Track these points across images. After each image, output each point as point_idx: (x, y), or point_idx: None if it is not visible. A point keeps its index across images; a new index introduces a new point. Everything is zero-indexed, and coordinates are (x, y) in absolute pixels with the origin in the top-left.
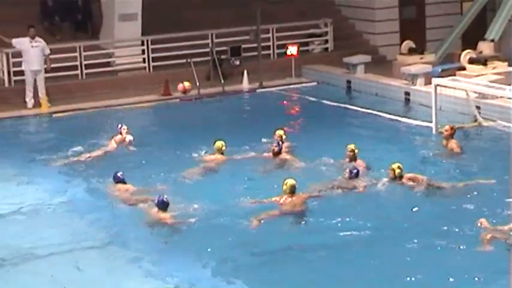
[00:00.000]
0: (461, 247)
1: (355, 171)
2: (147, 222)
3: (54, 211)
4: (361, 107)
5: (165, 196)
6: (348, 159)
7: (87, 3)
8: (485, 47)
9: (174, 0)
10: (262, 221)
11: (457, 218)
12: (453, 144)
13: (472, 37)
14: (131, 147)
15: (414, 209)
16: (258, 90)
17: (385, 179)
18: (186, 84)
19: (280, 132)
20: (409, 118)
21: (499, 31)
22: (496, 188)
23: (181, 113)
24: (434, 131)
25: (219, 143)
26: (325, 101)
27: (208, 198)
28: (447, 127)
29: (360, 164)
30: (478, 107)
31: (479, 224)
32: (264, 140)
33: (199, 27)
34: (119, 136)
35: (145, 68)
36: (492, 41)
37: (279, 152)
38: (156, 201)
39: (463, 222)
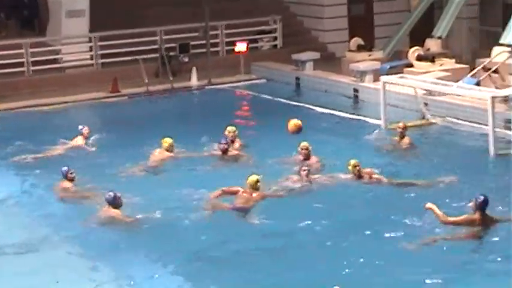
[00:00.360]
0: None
1: (306, 168)
2: (97, 218)
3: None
4: (310, 104)
5: (117, 193)
6: (302, 157)
7: None
8: (433, 44)
9: None
10: (215, 210)
11: (413, 212)
12: (406, 140)
13: (419, 34)
14: (91, 147)
15: (370, 205)
16: (207, 87)
17: (341, 176)
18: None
19: (231, 128)
20: (358, 115)
21: (446, 28)
22: (454, 184)
23: (129, 110)
24: (383, 128)
25: (166, 141)
26: (274, 98)
27: (156, 196)
28: (400, 124)
29: (313, 161)
30: (426, 104)
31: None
32: (204, 138)
33: (148, 24)
34: (79, 137)
35: (92, 64)
36: (439, 38)
37: (228, 149)
38: (107, 197)
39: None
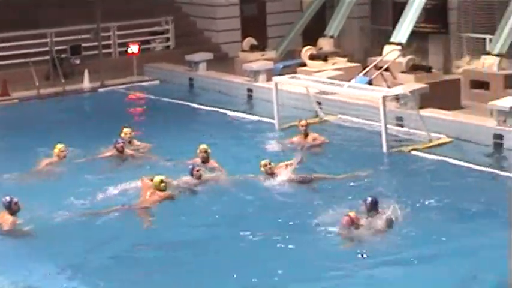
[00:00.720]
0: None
1: (198, 169)
2: None
3: None
4: (205, 105)
5: (14, 198)
6: (200, 160)
7: None
8: (325, 43)
9: None
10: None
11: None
12: (310, 138)
13: (312, 34)
14: None
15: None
16: (99, 90)
17: (237, 176)
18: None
19: (127, 129)
20: (252, 114)
21: (338, 28)
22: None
23: (20, 114)
24: (277, 127)
25: (57, 147)
26: (168, 99)
27: (50, 201)
28: (303, 122)
29: (213, 164)
30: (319, 103)
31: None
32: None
33: (39, 26)
34: None
35: None
36: (332, 37)
37: (124, 149)
38: (3, 202)
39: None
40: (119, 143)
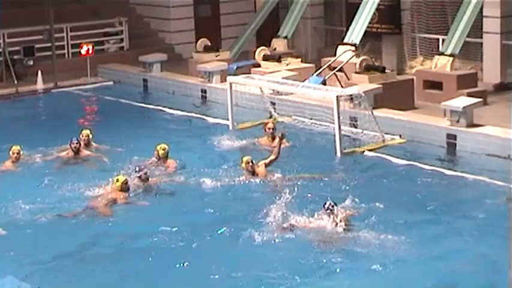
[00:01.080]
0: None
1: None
2: None
3: None
4: (159, 105)
5: None
6: (156, 159)
7: None
8: (279, 44)
9: None
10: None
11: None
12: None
13: (266, 34)
14: None
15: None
16: (53, 91)
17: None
18: None
19: (86, 131)
20: (207, 115)
21: (292, 28)
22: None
23: None
24: (231, 127)
25: (13, 149)
26: (122, 100)
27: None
28: (270, 124)
29: (171, 163)
30: (273, 103)
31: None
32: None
33: None
34: None
35: None
36: (285, 38)
37: (79, 150)
38: None
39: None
40: (73, 143)
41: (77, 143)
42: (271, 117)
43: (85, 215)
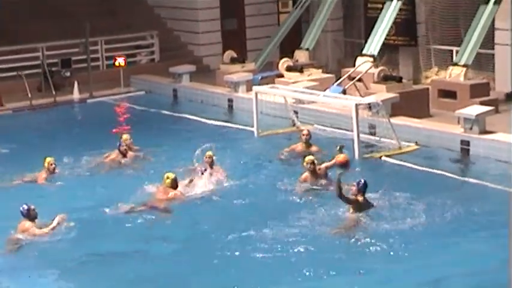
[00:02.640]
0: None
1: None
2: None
3: None
4: (188, 114)
5: (31, 205)
6: (207, 165)
7: None
8: (301, 56)
9: (0, 14)
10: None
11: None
12: (314, 148)
13: (289, 46)
14: None
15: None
16: (88, 101)
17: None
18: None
19: (126, 136)
20: (233, 123)
21: (313, 40)
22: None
23: (13, 124)
24: (256, 135)
25: (47, 160)
26: (153, 109)
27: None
28: (305, 131)
29: (217, 170)
30: (295, 112)
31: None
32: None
33: (30, 40)
34: None
35: None
36: (307, 49)
37: (126, 153)
38: (21, 210)
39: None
40: (122, 146)
41: (124, 146)
42: (294, 125)
43: (143, 212)
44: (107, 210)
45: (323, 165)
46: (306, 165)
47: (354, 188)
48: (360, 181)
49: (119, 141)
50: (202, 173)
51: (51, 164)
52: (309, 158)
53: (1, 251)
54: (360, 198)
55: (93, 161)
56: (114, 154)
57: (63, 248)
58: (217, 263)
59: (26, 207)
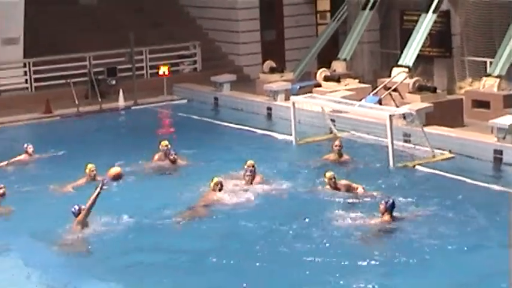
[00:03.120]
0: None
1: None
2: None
3: None
4: (229, 122)
5: (81, 206)
6: (247, 177)
7: None
8: (339, 66)
9: (50, 25)
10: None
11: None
12: (346, 157)
13: (326, 57)
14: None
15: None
16: (133, 107)
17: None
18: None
19: (164, 142)
20: (272, 131)
21: (350, 51)
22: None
23: (61, 130)
24: (294, 143)
25: (89, 167)
26: (195, 116)
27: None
28: (337, 142)
29: (258, 179)
30: (332, 120)
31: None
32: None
33: (78, 50)
34: (24, 155)
35: (27, 88)
36: (344, 60)
37: (176, 160)
38: (73, 211)
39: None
40: (171, 154)
41: (174, 155)
42: (331, 133)
43: (190, 216)
44: (154, 214)
45: (345, 182)
46: (328, 181)
47: (382, 207)
48: (388, 200)
49: (167, 149)
50: (246, 180)
51: (92, 171)
52: (329, 174)
53: (55, 247)
54: (387, 217)
55: (136, 166)
56: (160, 159)
57: (122, 251)
58: (260, 265)
59: (77, 207)
